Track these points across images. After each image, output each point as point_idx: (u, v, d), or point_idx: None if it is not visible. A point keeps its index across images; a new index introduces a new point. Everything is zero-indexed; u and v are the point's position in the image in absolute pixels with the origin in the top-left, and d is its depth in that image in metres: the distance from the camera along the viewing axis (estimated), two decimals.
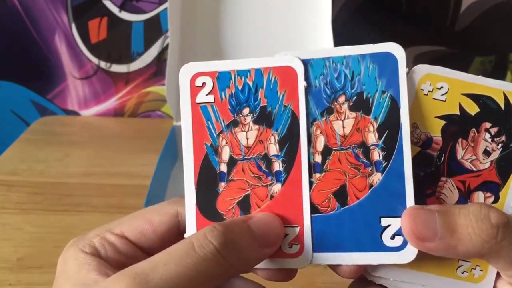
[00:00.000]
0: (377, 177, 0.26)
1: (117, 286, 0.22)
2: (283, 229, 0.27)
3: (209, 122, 0.28)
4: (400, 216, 0.26)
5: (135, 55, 0.74)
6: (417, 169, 0.26)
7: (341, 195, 0.27)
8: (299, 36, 0.63)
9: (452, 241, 0.24)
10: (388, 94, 0.26)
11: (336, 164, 0.27)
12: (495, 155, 0.27)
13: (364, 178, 0.27)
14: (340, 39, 0.59)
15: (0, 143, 0.71)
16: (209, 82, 0.28)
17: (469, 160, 0.27)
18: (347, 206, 0.27)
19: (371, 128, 0.27)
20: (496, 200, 0.27)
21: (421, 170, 0.27)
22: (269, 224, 0.26)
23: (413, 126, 0.27)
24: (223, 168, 0.28)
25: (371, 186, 0.26)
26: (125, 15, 0.71)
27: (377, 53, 0.27)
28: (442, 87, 0.27)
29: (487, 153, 0.27)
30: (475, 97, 0.27)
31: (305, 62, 0.27)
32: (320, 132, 0.27)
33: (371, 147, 0.27)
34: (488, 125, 0.27)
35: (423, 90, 0.27)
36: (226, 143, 0.28)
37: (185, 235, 0.28)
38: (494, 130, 0.27)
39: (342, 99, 0.27)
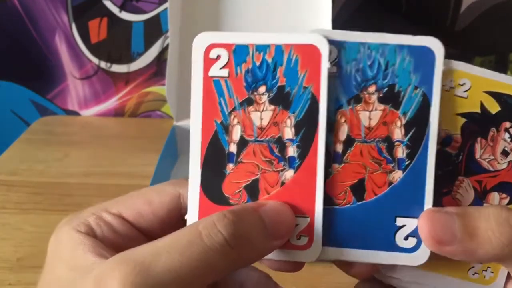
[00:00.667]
0: (398, 175, 0.25)
1: (116, 274, 0.21)
2: (295, 220, 0.25)
3: (221, 98, 0.26)
4: (416, 217, 0.25)
5: (135, 55, 0.74)
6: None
7: (358, 189, 0.25)
8: None
9: (471, 245, 0.24)
10: (421, 91, 0.25)
11: (357, 156, 0.25)
12: None
13: (385, 174, 0.25)
14: None
15: (0, 143, 0.71)
16: (224, 54, 0.25)
17: (487, 160, 0.26)
18: (364, 201, 0.25)
19: (398, 123, 0.25)
20: (511, 201, 0.26)
21: (439, 169, 0.26)
22: (281, 214, 0.24)
23: None
24: (233, 148, 0.26)
25: (390, 183, 0.25)
26: (125, 15, 0.71)
27: (416, 46, 0.25)
28: (464, 83, 0.26)
29: (505, 153, 0.26)
30: (497, 96, 0.26)
31: (339, 44, 0.25)
32: (345, 121, 0.25)
33: (395, 143, 0.25)
34: (508, 124, 0.26)
35: (444, 86, 0.26)
36: (238, 122, 0.26)
37: (186, 217, 0.26)
38: None
39: (372, 89, 0.25)
